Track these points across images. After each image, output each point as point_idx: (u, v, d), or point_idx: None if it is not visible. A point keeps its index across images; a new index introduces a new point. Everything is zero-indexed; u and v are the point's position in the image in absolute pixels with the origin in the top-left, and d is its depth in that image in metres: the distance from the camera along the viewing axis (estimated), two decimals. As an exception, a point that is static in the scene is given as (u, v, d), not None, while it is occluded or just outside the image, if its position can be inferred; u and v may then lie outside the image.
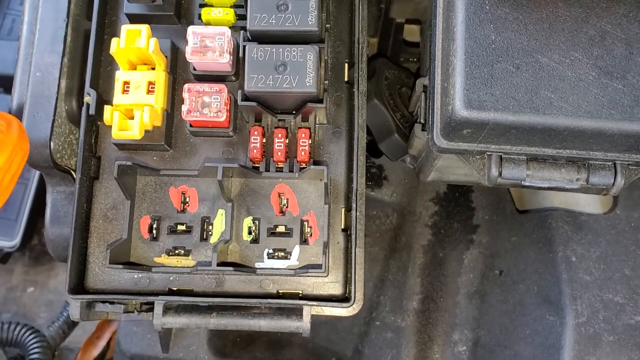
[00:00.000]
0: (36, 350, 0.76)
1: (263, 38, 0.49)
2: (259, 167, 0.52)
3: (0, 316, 1.01)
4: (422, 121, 0.55)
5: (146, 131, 0.51)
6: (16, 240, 0.94)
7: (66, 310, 0.91)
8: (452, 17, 0.46)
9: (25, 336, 0.76)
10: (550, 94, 0.45)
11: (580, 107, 0.45)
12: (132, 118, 0.50)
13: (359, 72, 0.53)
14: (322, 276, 0.52)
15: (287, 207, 0.53)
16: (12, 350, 0.86)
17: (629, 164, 0.48)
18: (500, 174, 0.48)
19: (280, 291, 0.52)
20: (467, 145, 0.47)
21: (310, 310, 0.51)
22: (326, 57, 0.51)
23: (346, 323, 0.73)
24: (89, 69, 0.53)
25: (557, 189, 0.50)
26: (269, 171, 0.52)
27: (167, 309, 0.51)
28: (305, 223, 0.52)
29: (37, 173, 0.95)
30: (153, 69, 0.52)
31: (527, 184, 0.49)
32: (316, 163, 0.53)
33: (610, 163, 0.48)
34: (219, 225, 0.52)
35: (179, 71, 0.54)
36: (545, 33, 0.46)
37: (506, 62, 0.45)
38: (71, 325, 0.90)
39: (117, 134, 0.49)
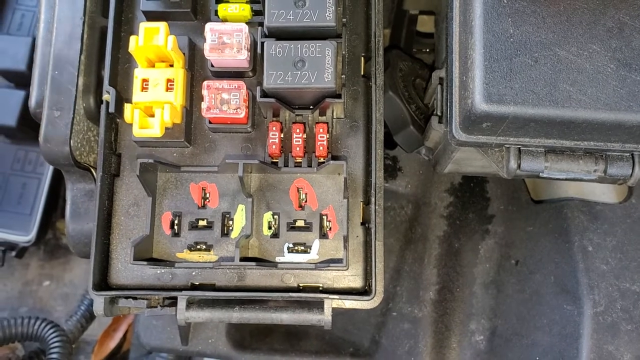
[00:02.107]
0: (57, 344, 0.76)
1: (281, 34, 0.49)
2: (277, 162, 0.53)
3: (18, 310, 1.02)
4: (439, 113, 0.56)
5: (166, 128, 0.51)
6: (31, 235, 0.94)
7: (83, 304, 0.93)
8: (470, 11, 0.46)
9: (45, 331, 0.77)
10: (568, 86, 0.45)
11: (599, 100, 0.45)
12: (152, 115, 0.50)
13: (375, 66, 0.54)
14: (342, 269, 0.52)
15: (306, 201, 0.53)
16: (31, 345, 0.87)
17: (646, 155, 0.49)
18: (519, 166, 0.48)
19: (301, 285, 0.53)
20: (486, 138, 0.48)
21: (331, 303, 0.51)
22: (343, 52, 0.51)
23: (363, 314, 0.73)
24: (107, 66, 0.53)
25: (574, 179, 0.51)
26: (287, 166, 0.52)
27: (190, 304, 0.52)
28: (324, 217, 0.53)
29: (51, 168, 0.95)
30: (171, 66, 0.52)
31: (545, 175, 0.49)
32: (334, 157, 0.53)
33: (628, 154, 0.49)
34: (239, 220, 0.53)
35: (196, 68, 0.54)
36: (563, 26, 0.46)
37: (525, 56, 0.45)
38: (89, 318, 0.91)
39: (138, 132, 0.50)
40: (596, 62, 0.45)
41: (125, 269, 0.53)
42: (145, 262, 0.50)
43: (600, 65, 0.45)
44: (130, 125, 0.51)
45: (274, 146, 0.52)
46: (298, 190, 0.53)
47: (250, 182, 0.53)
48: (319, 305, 0.52)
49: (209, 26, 0.49)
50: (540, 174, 0.49)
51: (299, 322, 0.52)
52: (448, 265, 0.74)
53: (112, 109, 0.52)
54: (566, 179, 0.51)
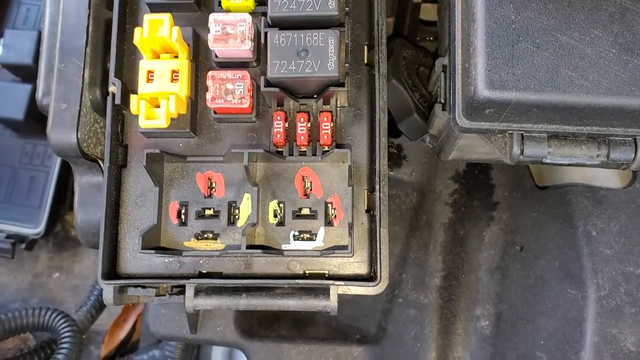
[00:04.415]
0: (67, 334, 0.77)
1: (284, 24, 0.49)
2: (282, 151, 0.53)
3: (28, 302, 1.03)
4: (443, 101, 0.56)
5: (172, 119, 0.52)
6: (40, 228, 0.95)
7: (93, 294, 0.94)
8: (472, -2, 0.47)
9: (56, 321, 0.78)
10: (570, 72, 0.45)
11: (601, 85, 0.45)
12: (158, 106, 0.51)
13: (378, 54, 0.54)
14: (347, 256, 0.53)
15: (311, 189, 0.54)
16: (42, 335, 0.88)
17: (649, 139, 0.49)
18: (522, 152, 0.49)
19: (307, 272, 0.53)
20: (489, 125, 0.48)
21: (337, 289, 0.52)
22: (346, 41, 0.52)
23: (369, 301, 0.74)
24: (112, 58, 0.53)
25: (577, 165, 0.51)
26: (292, 155, 0.53)
27: (197, 292, 0.53)
28: (329, 205, 0.53)
29: (58, 160, 0.96)
30: (176, 57, 0.52)
31: (548, 161, 0.50)
32: (338, 146, 0.53)
33: (631, 138, 0.49)
34: (245, 209, 0.53)
35: (201, 58, 0.55)
36: (565, 11, 0.46)
37: (526, 42, 0.45)
38: (99, 309, 0.92)
39: (144, 123, 0.50)
40: (598, 47, 0.45)
41: (134, 258, 0.54)
42: (153, 251, 0.51)
43: (602, 50, 0.45)
44: (137, 116, 0.51)
45: (278, 135, 0.52)
46: (303, 179, 0.54)
47: (255, 171, 0.54)
48: (325, 292, 0.52)
49: (212, 17, 0.50)
50: (544, 160, 0.49)
51: (306, 308, 0.52)
52: (453, 252, 0.74)
53: (118, 101, 0.52)
54: (569, 165, 0.51)
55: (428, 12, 0.76)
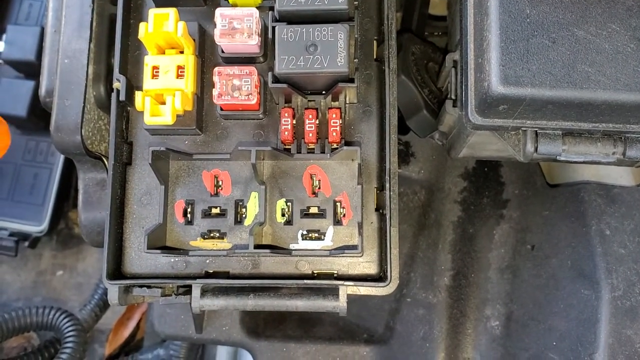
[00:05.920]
0: (71, 333, 0.77)
1: (292, 18, 0.48)
2: (290, 148, 0.52)
3: (32, 300, 1.03)
4: (453, 97, 0.55)
5: (177, 115, 0.51)
6: (44, 225, 0.95)
7: (97, 293, 0.93)
8: (485, -9, 0.45)
9: (60, 320, 0.78)
10: (587, 67, 0.44)
11: (619, 80, 0.44)
12: (163, 103, 0.50)
13: (388, 49, 0.53)
14: (356, 256, 0.52)
15: (319, 188, 0.53)
16: (46, 334, 0.88)
17: (666, 137, 0.48)
18: (536, 150, 0.48)
19: (316, 272, 0.52)
20: (502, 122, 0.47)
21: (346, 290, 0.51)
22: (356, 35, 0.51)
23: (377, 300, 0.73)
24: (117, 54, 0.52)
25: (592, 162, 0.50)
26: (300, 153, 0.52)
27: (204, 292, 0.52)
28: (338, 204, 0.52)
29: (62, 157, 0.95)
30: (181, 52, 0.51)
31: (562, 158, 0.49)
32: (347, 143, 0.52)
33: (648, 136, 0.48)
34: (252, 207, 0.52)
35: (207, 54, 0.54)
36: (581, 5, 0.45)
37: (542, 37, 0.44)
38: (103, 307, 0.91)
39: (149, 120, 0.49)
40: (615, 42, 0.44)
41: (139, 257, 0.53)
42: (159, 251, 0.50)
43: (619, 45, 0.44)
44: (141, 113, 0.50)
45: (286, 132, 0.51)
46: (311, 177, 0.53)
47: (263, 169, 0.53)
48: (334, 292, 0.51)
49: (219, 11, 0.49)
50: (558, 157, 0.48)
51: (314, 309, 0.51)
52: (462, 250, 0.73)
53: (122, 97, 0.52)
54: (584, 162, 0.50)
55: (436, 7, 0.75)
